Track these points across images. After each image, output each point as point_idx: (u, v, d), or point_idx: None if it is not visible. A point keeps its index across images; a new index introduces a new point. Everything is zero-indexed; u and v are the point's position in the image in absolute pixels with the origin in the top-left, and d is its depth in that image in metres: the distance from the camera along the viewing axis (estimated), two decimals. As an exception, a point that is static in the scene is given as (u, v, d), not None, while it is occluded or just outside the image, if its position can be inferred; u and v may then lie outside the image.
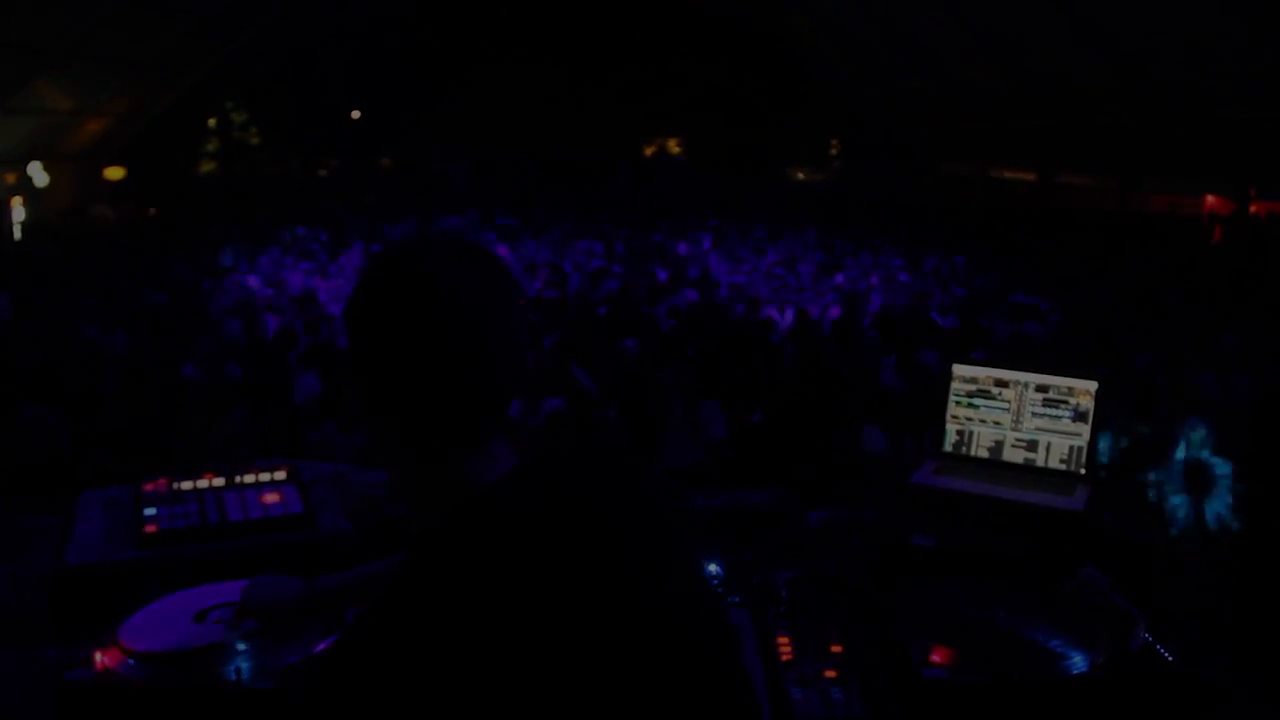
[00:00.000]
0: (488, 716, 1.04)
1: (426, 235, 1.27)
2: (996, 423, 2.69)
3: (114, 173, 22.15)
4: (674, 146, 32.32)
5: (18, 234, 18.21)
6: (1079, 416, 2.61)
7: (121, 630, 1.79)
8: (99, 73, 17.96)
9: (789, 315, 10.51)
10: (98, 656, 1.73)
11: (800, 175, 31.52)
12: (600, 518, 1.19)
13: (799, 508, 2.49)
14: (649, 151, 32.17)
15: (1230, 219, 17.25)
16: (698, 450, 6.22)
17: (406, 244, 1.22)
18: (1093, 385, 2.62)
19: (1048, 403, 2.64)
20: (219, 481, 2.35)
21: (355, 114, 30.52)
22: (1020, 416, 2.66)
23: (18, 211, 18.48)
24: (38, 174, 18.79)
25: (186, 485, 2.32)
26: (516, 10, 28.18)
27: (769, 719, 1.72)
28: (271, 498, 2.30)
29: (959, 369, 2.75)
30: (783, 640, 1.92)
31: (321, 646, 1.75)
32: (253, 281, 12.61)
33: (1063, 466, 2.61)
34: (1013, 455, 2.66)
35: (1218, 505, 4.61)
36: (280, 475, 2.40)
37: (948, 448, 2.73)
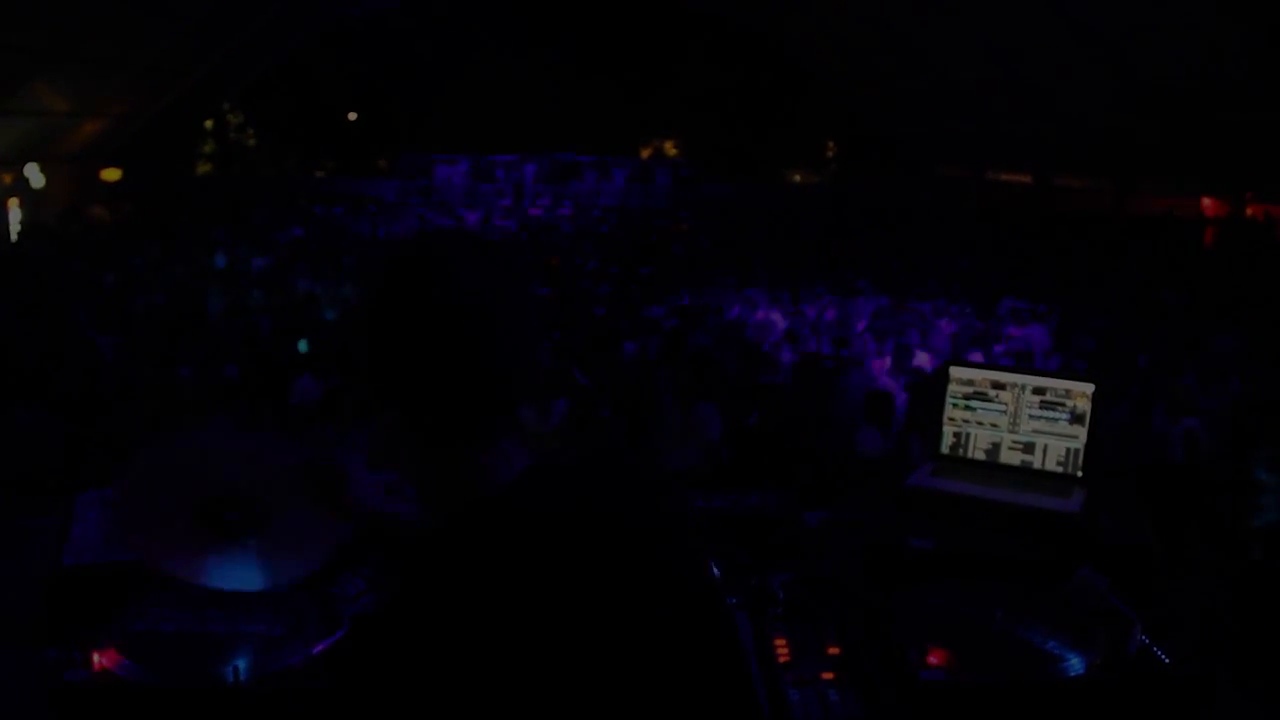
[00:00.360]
0: (496, 716, 1.04)
1: (437, 230, 1.28)
2: (994, 425, 2.69)
3: (111, 174, 22.14)
4: (671, 148, 32.35)
5: (14, 235, 18.19)
6: (1076, 419, 2.61)
7: (118, 630, 1.79)
8: (96, 74, 17.93)
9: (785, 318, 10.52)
10: (95, 657, 1.73)
11: (797, 177, 31.55)
12: (612, 521, 1.20)
13: (796, 510, 2.50)
14: (646, 153, 32.18)
15: (1225, 221, 17.28)
16: (694, 452, 6.22)
17: (417, 239, 1.22)
18: (1089, 388, 2.62)
19: (1045, 405, 2.64)
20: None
21: (351, 115, 30.52)
22: (1017, 419, 2.67)
23: (14, 213, 18.46)
24: (34, 175, 18.77)
25: (184, 486, 2.32)
26: (514, 12, 28.18)
27: (767, 720, 1.72)
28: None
29: (956, 371, 2.76)
30: (780, 642, 1.92)
31: (320, 648, 1.75)
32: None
33: (1060, 469, 2.61)
34: (1010, 458, 2.66)
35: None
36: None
37: (945, 450, 2.73)
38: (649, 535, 1.23)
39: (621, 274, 13.75)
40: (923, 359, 8.46)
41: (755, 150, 29.70)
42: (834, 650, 1.91)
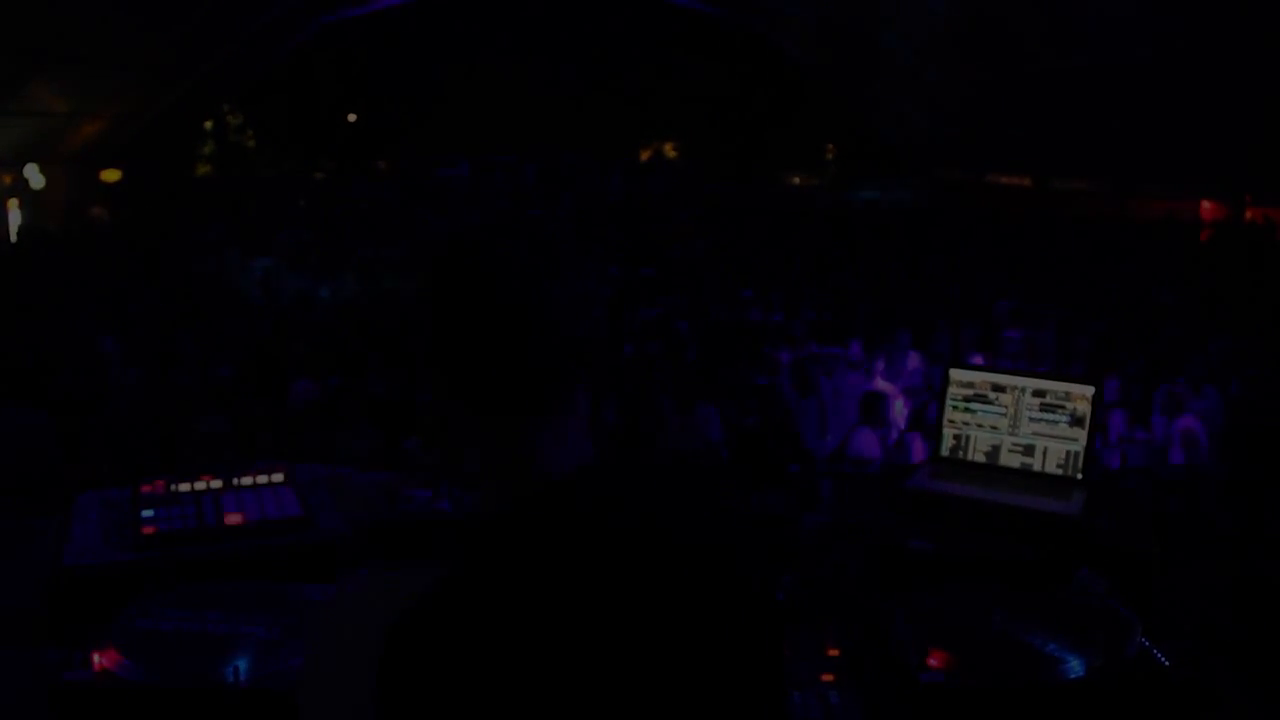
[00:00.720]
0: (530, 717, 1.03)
1: (492, 216, 1.28)
2: (994, 427, 2.69)
3: (110, 175, 22.13)
4: (670, 150, 32.37)
5: (14, 236, 18.18)
6: (1076, 421, 2.62)
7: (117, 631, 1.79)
8: (96, 75, 17.93)
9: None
10: (95, 657, 1.73)
11: (796, 180, 31.56)
12: (665, 534, 1.18)
13: (795, 511, 2.50)
14: (645, 155, 32.21)
15: (1223, 223, 17.29)
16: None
17: (472, 226, 1.23)
18: (1089, 390, 2.62)
19: (1045, 408, 2.65)
20: (216, 484, 2.35)
21: (351, 117, 30.54)
22: (1017, 421, 2.67)
23: (14, 214, 18.46)
24: (34, 176, 18.76)
25: (184, 487, 2.32)
26: (513, 13, 28.21)
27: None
28: (269, 500, 2.30)
29: (956, 373, 2.76)
30: (780, 643, 1.92)
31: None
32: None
33: (1059, 471, 2.61)
34: (1010, 460, 2.67)
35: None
36: (278, 478, 2.40)
37: (944, 452, 2.73)
38: (699, 550, 1.21)
39: (621, 275, 13.76)
40: (915, 360, 8.47)
41: (754, 152, 29.72)
42: (834, 652, 1.91)
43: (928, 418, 6.48)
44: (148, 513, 2.20)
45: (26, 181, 18.68)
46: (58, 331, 9.17)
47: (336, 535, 2.23)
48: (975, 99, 20.70)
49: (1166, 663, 1.85)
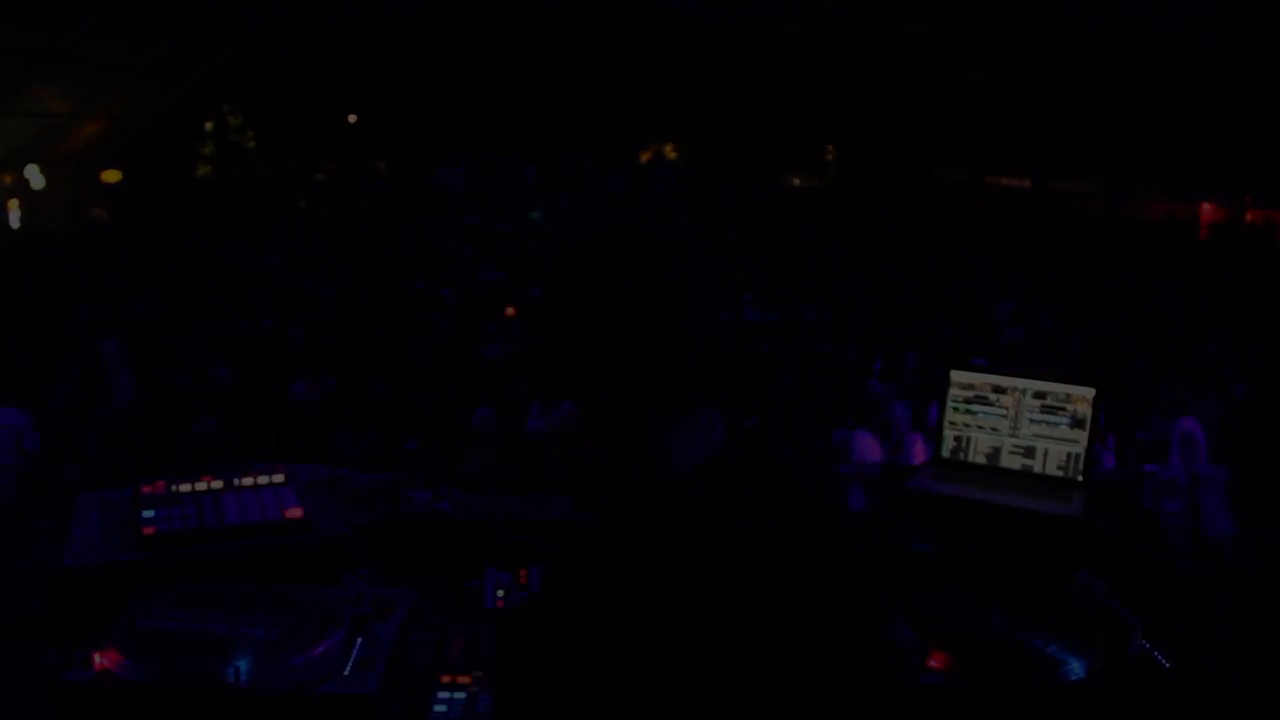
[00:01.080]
0: (646, 708, 1.04)
1: (619, 218, 1.30)
2: (994, 429, 2.69)
3: (111, 175, 22.14)
4: (670, 151, 32.36)
5: (14, 235, 18.18)
6: (1076, 423, 2.61)
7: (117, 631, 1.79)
8: (96, 76, 17.95)
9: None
10: (96, 657, 1.73)
11: (796, 181, 31.54)
12: (784, 532, 1.20)
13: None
14: (646, 156, 32.19)
15: (1221, 225, 17.30)
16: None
17: (601, 226, 1.25)
18: (1090, 392, 2.62)
19: (1045, 409, 2.64)
20: (217, 484, 2.35)
21: (351, 118, 30.52)
22: (1018, 423, 2.67)
23: (14, 214, 18.46)
24: (34, 176, 18.77)
25: (184, 488, 2.32)
26: (513, 14, 28.20)
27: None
28: (269, 501, 2.30)
29: (957, 375, 2.75)
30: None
31: (320, 649, 1.75)
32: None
33: (1060, 473, 2.61)
34: (1010, 461, 2.66)
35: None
36: (278, 478, 2.39)
37: (945, 453, 2.73)
38: (832, 549, 1.25)
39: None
40: (914, 361, 8.48)
41: (755, 153, 29.70)
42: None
43: (928, 419, 6.49)
44: (148, 513, 2.19)
45: (27, 182, 18.68)
46: (58, 332, 9.17)
47: (336, 536, 2.23)
48: (975, 99, 20.69)
49: (1166, 663, 1.85)
